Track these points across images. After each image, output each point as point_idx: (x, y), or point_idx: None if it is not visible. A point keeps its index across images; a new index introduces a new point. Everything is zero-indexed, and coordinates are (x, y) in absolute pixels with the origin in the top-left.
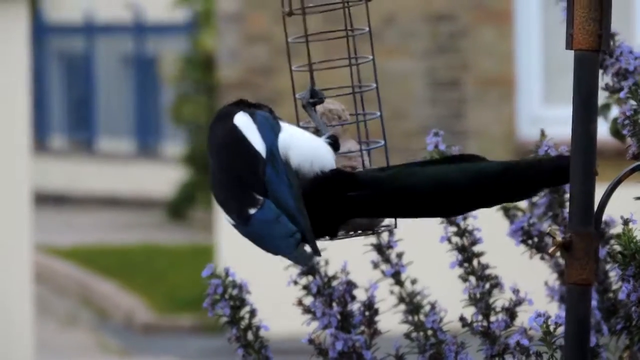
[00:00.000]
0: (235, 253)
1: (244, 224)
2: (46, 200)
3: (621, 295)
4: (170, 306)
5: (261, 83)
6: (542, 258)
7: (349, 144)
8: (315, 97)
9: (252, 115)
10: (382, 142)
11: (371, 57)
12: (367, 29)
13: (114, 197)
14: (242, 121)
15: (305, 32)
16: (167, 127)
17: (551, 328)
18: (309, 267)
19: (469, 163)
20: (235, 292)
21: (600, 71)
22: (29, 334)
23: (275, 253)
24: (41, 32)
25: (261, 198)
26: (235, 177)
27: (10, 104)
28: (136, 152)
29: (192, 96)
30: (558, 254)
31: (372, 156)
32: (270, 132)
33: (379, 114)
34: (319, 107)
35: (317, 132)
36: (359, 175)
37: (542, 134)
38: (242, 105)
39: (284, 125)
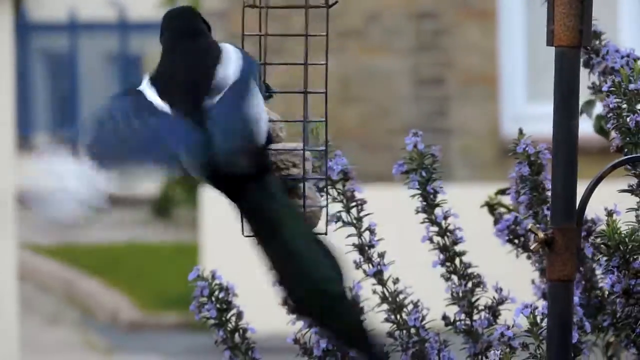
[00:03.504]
0: (220, 251)
1: (192, 112)
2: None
3: (605, 286)
4: (155, 304)
5: None
6: (529, 257)
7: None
8: (267, 91)
9: (244, 53)
10: (322, 148)
11: (324, 62)
12: (324, 34)
13: None
14: (232, 49)
15: (260, 28)
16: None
17: (538, 319)
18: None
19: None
20: (221, 295)
21: (587, 70)
22: (14, 332)
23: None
24: (25, 30)
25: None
26: (195, 76)
27: None
28: None
29: None
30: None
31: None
32: (251, 68)
33: (324, 119)
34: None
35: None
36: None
37: (520, 132)
38: (204, 23)
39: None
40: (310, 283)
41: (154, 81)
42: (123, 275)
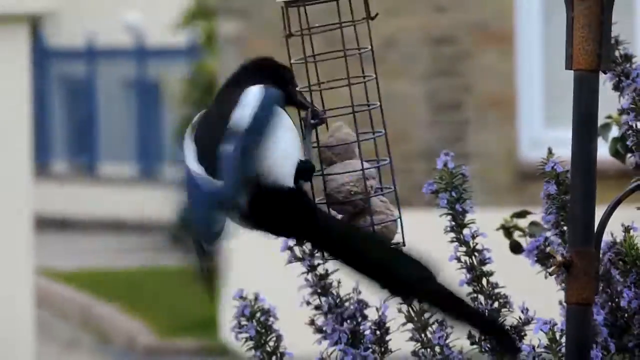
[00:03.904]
0: (239, 276)
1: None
2: (48, 224)
3: (622, 303)
4: (172, 329)
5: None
6: (557, 272)
7: (353, 164)
8: (315, 118)
9: (265, 91)
10: (388, 160)
11: (374, 76)
12: (362, 49)
13: (116, 221)
14: (254, 92)
15: (304, 53)
16: (169, 151)
17: (557, 335)
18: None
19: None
20: (262, 317)
21: (617, 93)
22: (31, 358)
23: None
24: (43, 56)
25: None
26: (212, 134)
27: (12, 128)
28: (138, 176)
29: None
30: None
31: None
32: (264, 109)
33: (383, 132)
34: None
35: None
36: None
37: (550, 151)
38: (266, 70)
39: (283, 120)
40: (406, 278)
41: (193, 134)
42: (140, 301)
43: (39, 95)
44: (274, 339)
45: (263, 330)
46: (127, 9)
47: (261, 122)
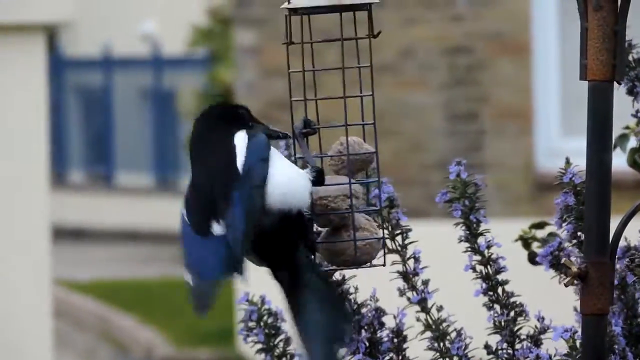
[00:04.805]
0: (255, 285)
1: (201, 234)
2: (65, 234)
3: (639, 310)
4: (189, 340)
5: (279, 116)
6: (572, 283)
7: (339, 179)
8: (307, 127)
9: (250, 137)
10: (376, 180)
11: (370, 93)
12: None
13: (133, 231)
14: (240, 140)
15: (302, 64)
16: (186, 161)
17: (577, 344)
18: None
19: None
20: (270, 320)
21: (631, 98)
22: None
23: (198, 272)
24: (59, 66)
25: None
26: (208, 189)
27: (28, 138)
28: (155, 186)
29: None
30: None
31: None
32: (255, 156)
33: (374, 150)
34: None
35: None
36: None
37: (567, 161)
38: (241, 118)
39: (274, 155)
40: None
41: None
42: (158, 312)
43: (56, 105)
44: (283, 341)
45: (272, 332)
46: (143, 19)
47: (261, 166)
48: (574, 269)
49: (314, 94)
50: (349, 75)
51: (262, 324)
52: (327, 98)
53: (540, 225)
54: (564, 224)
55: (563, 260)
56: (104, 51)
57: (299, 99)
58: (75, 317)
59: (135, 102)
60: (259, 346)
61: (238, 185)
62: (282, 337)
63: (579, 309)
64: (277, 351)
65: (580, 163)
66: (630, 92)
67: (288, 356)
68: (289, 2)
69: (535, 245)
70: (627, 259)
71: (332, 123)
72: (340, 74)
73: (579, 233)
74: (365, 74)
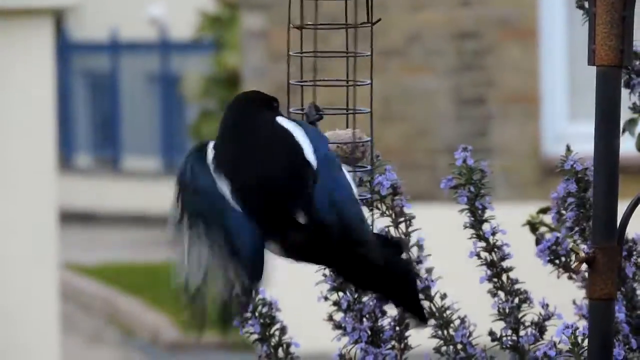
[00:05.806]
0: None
1: (285, 248)
2: (72, 218)
3: (636, 299)
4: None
5: (286, 101)
6: (570, 277)
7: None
8: (316, 113)
9: (302, 125)
10: (369, 168)
11: (369, 81)
12: (359, 54)
13: (140, 215)
14: (292, 128)
15: (301, 48)
16: (192, 144)
17: (579, 339)
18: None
19: None
20: (265, 310)
21: (627, 90)
22: (56, 352)
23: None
24: (66, 50)
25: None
26: (276, 183)
27: (35, 122)
28: (162, 170)
29: (215, 114)
30: (583, 269)
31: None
32: (322, 144)
33: (369, 139)
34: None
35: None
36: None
37: (568, 149)
38: (274, 110)
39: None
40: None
41: (221, 166)
42: (164, 295)
43: (63, 89)
44: (279, 331)
45: (268, 322)
46: (151, 3)
47: (331, 155)
48: (582, 254)
49: (314, 79)
50: (353, 61)
51: (257, 314)
52: (324, 81)
53: (546, 211)
54: (565, 212)
55: (570, 246)
56: (111, 35)
57: (300, 82)
58: (82, 301)
59: (142, 86)
60: (255, 336)
61: (326, 175)
62: (277, 326)
63: (577, 302)
64: (274, 341)
65: (588, 148)
66: (627, 84)
67: (284, 346)
68: None
69: (542, 230)
70: (625, 251)
71: (334, 108)
72: (344, 60)
73: (581, 221)
74: (372, 60)
